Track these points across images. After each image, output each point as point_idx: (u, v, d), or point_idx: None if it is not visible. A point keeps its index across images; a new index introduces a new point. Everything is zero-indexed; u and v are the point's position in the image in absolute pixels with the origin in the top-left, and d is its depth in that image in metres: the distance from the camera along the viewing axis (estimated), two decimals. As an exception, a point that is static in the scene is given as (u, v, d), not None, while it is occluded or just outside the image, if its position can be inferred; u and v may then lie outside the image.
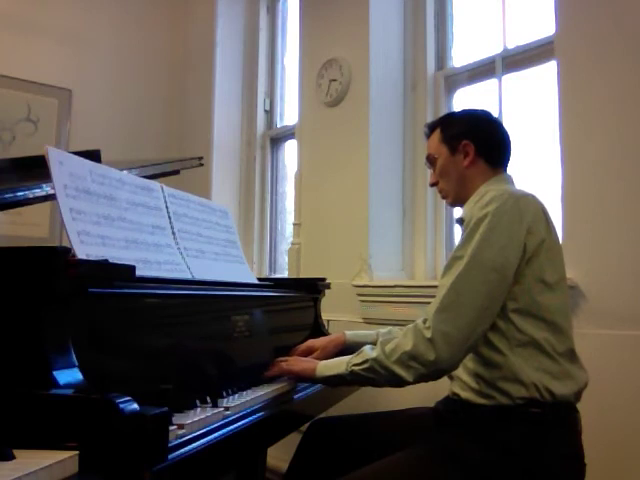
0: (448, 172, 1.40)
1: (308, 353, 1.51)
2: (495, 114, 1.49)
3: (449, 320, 1.14)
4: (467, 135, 1.37)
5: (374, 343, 1.31)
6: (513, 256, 1.16)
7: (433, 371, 1.15)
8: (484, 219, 1.18)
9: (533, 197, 1.25)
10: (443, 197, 1.46)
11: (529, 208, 1.20)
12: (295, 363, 1.39)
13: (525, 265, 1.18)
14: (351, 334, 1.59)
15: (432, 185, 1.47)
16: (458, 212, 1.45)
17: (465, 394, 1.24)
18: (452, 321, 1.14)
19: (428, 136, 1.48)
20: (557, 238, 1.26)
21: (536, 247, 1.18)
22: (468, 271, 1.16)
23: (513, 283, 1.17)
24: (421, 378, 1.17)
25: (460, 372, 1.26)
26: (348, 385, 1.39)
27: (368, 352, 1.24)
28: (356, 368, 1.24)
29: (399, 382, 1.18)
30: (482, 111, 1.47)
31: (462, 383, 1.26)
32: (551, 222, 1.25)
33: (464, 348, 1.15)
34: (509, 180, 1.38)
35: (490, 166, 1.37)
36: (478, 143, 1.36)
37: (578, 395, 1.21)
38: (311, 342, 1.56)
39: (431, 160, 1.44)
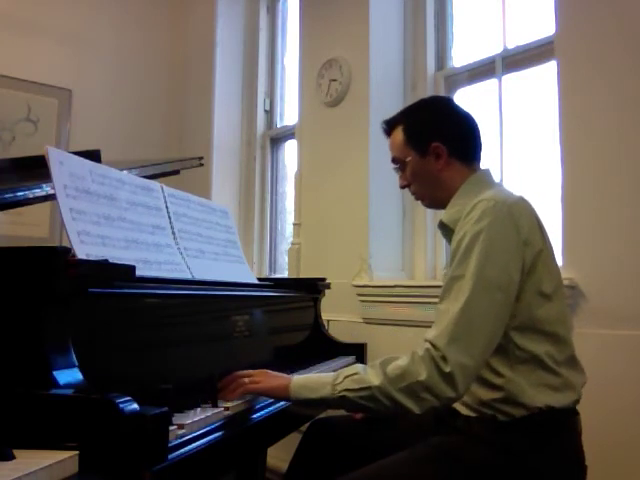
0: (421, 175, 1.30)
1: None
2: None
3: (464, 350, 1.07)
4: (435, 136, 1.27)
5: None
6: (515, 271, 1.12)
7: (445, 404, 1.10)
8: (479, 235, 1.11)
9: (522, 200, 1.19)
10: (417, 199, 1.36)
11: (522, 217, 1.15)
12: (262, 379, 1.20)
13: (525, 278, 1.13)
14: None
15: (403, 187, 1.36)
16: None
17: (465, 411, 1.21)
18: (466, 351, 1.07)
19: (388, 134, 1.36)
20: (550, 243, 1.22)
21: (534, 258, 1.14)
22: (475, 294, 1.09)
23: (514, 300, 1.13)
24: (429, 409, 1.10)
25: None
26: (331, 409, 1.28)
27: (365, 376, 1.11)
28: (351, 394, 1.11)
29: (401, 412, 1.11)
30: (443, 101, 1.36)
31: (461, 403, 1.21)
32: (543, 226, 1.21)
33: (475, 377, 1.11)
34: (488, 177, 1.31)
35: (465, 164, 1.29)
36: (449, 144, 1.27)
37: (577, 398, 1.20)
38: None
39: (399, 163, 1.34)
